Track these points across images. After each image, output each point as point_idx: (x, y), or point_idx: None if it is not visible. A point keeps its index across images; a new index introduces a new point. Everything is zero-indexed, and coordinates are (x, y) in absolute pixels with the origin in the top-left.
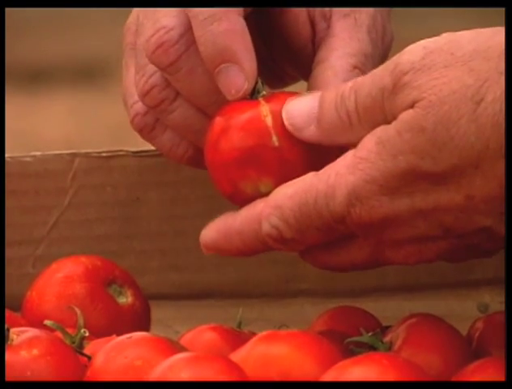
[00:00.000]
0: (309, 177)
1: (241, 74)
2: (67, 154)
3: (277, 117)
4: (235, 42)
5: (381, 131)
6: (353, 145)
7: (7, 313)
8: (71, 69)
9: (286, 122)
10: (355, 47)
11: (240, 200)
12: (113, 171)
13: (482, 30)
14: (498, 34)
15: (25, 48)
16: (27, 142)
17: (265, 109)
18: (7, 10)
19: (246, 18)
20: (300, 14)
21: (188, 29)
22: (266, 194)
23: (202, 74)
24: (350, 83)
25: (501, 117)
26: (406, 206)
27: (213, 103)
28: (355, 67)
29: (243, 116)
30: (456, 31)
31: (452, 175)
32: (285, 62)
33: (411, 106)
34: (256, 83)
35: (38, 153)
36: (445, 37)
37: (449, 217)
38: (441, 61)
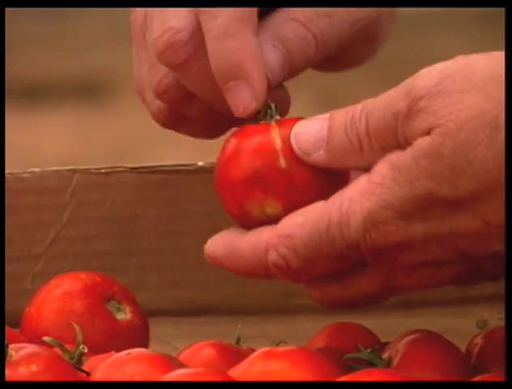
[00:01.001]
0: (320, 206)
1: (250, 92)
2: (66, 170)
3: (287, 140)
4: (246, 60)
5: (395, 157)
6: (363, 169)
7: (6, 329)
8: (71, 85)
9: (294, 146)
10: None
11: (246, 222)
12: (111, 187)
13: (495, 53)
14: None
15: (25, 64)
16: (25, 158)
17: (275, 132)
18: (7, 25)
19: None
20: None
21: (197, 31)
22: (273, 216)
23: (212, 74)
24: (360, 106)
25: None
26: (422, 230)
27: (224, 99)
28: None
29: (253, 138)
30: (459, 47)
31: (469, 201)
32: None
33: (428, 132)
34: (269, 107)
35: (37, 169)
36: (461, 61)
37: (465, 242)
38: (456, 86)
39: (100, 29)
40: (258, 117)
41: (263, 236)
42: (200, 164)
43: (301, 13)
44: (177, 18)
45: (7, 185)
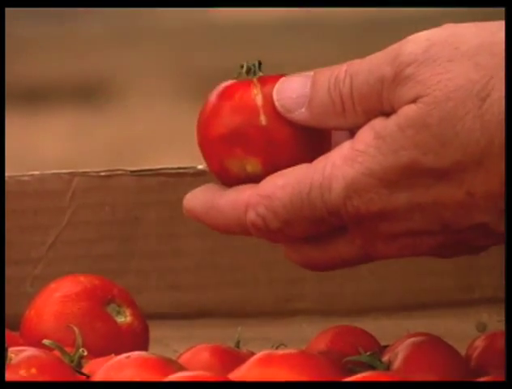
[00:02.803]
0: (303, 168)
1: None
2: (66, 173)
3: (268, 97)
4: None
5: (379, 125)
6: (345, 130)
7: (6, 332)
8: (70, 88)
9: (276, 103)
10: None
11: (227, 179)
12: (111, 190)
13: (485, 24)
14: (502, 29)
15: (24, 67)
16: (25, 161)
17: (256, 89)
18: (7, 28)
19: None
20: None
21: None
22: (253, 174)
23: None
24: (344, 66)
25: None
26: (405, 199)
27: None
28: None
29: (234, 95)
30: None
31: (454, 171)
32: None
33: (414, 100)
34: (253, 63)
35: (36, 172)
36: (449, 29)
37: (448, 212)
38: (445, 54)
39: (99, 32)
40: (241, 72)
41: (244, 194)
42: (200, 167)
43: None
44: None
45: (7, 188)
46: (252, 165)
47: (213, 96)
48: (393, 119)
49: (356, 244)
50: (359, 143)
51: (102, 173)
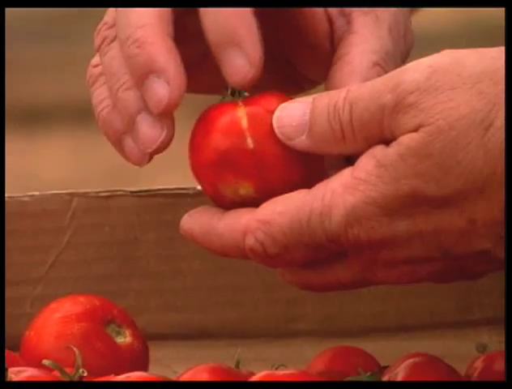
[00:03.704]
0: (301, 194)
1: (244, 58)
2: (65, 194)
3: (253, 118)
4: (240, 26)
5: (380, 154)
6: (346, 156)
7: (6, 352)
8: (70, 110)
9: (276, 130)
10: (376, 43)
11: (222, 203)
12: (111, 211)
13: (486, 50)
14: (503, 54)
15: (24, 89)
16: (25, 182)
17: (241, 111)
18: (7, 50)
19: (257, 16)
20: (316, 13)
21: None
22: (247, 196)
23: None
24: (343, 93)
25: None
26: (405, 227)
27: None
28: (375, 64)
29: (220, 118)
30: None
31: (456, 199)
32: (302, 63)
33: (416, 129)
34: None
35: (36, 193)
36: (449, 55)
37: (448, 240)
38: (447, 82)
39: None
40: (226, 94)
41: (242, 219)
42: (199, 188)
43: (379, 56)
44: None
45: (7, 208)
46: (245, 189)
47: (200, 122)
48: (394, 148)
49: (354, 270)
50: (360, 172)
51: (102, 194)
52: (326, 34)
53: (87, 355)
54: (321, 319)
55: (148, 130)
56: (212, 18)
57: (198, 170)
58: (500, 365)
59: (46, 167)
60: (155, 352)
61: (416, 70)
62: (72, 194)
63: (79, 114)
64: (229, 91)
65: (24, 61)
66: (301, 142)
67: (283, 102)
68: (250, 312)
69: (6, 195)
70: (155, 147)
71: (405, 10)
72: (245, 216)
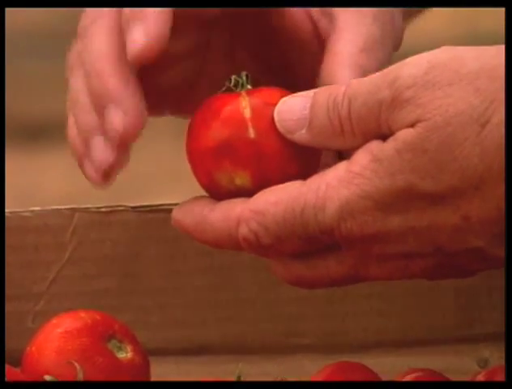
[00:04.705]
0: (296, 185)
1: (143, 31)
2: (67, 209)
3: (256, 109)
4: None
5: (377, 149)
6: (345, 150)
7: (7, 368)
8: None
9: (277, 124)
10: (361, 31)
11: (216, 192)
12: (112, 226)
13: (485, 48)
14: (502, 53)
15: (25, 104)
16: (26, 197)
17: (245, 102)
18: (8, 66)
19: (235, 20)
20: (296, 13)
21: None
22: (242, 187)
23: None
24: (343, 88)
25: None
26: (399, 222)
27: None
28: (362, 50)
29: (222, 107)
30: None
31: (451, 196)
32: (294, 65)
33: (413, 125)
34: (240, 76)
35: (37, 208)
36: (448, 52)
37: (442, 236)
38: (445, 78)
39: None
40: (229, 86)
41: (235, 209)
42: None
43: (365, 41)
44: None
45: (8, 223)
46: (241, 178)
47: (201, 110)
48: (390, 143)
49: (346, 263)
50: (355, 165)
51: (103, 209)
52: (310, 34)
53: (89, 370)
54: (322, 334)
55: (100, 153)
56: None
57: (195, 157)
58: (500, 380)
59: (47, 182)
60: (156, 367)
61: (414, 65)
62: (73, 210)
63: None
64: (232, 83)
65: (25, 77)
66: (301, 136)
67: (284, 96)
68: (251, 327)
69: (6, 210)
70: (105, 168)
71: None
72: (238, 206)
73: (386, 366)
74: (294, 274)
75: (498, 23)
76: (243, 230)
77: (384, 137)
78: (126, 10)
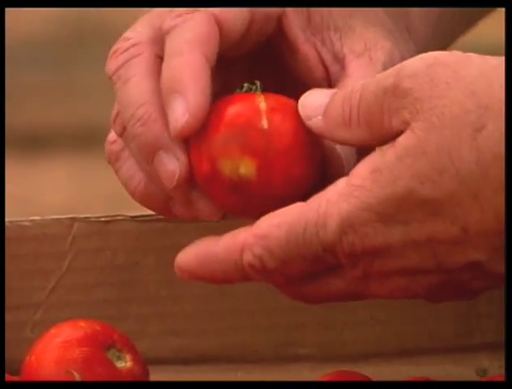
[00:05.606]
0: (297, 207)
1: (184, 105)
2: (66, 218)
3: (272, 104)
4: (184, 74)
5: (377, 160)
6: (349, 145)
7: (6, 377)
8: (70, 135)
9: (300, 109)
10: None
11: (215, 184)
12: (111, 235)
13: (490, 57)
14: (503, 65)
15: (25, 114)
16: (26, 206)
17: (261, 98)
18: (7, 77)
19: (252, 61)
20: (310, 56)
21: (149, 40)
22: (245, 178)
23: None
24: (362, 81)
25: (502, 148)
26: (400, 235)
27: None
28: None
29: (237, 100)
30: None
31: (450, 205)
32: None
33: (408, 122)
34: (253, 83)
35: (37, 217)
36: (457, 54)
37: (441, 249)
38: (444, 75)
39: (99, 80)
40: (240, 91)
41: (239, 237)
42: None
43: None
44: (134, 30)
45: (7, 233)
46: (246, 167)
47: (215, 104)
48: (390, 150)
49: (348, 281)
50: (356, 178)
51: (102, 219)
52: (322, 79)
53: (88, 380)
54: (321, 344)
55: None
56: (165, 69)
57: (200, 144)
58: None
59: (47, 192)
60: (156, 376)
61: (422, 58)
62: (73, 219)
63: (80, 140)
64: (244, 90)
65: (25, 87)
66: (317, 122)
67: (297, 103)
68: (250, 336)
69: (6, 220)
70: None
71: (404, 42)
72: (242, 234)
73: (384, 375)
74: (296, 291)
75: (499, 32)
76: (247, 257)
77: (384, 130)
78: (164, 77)
